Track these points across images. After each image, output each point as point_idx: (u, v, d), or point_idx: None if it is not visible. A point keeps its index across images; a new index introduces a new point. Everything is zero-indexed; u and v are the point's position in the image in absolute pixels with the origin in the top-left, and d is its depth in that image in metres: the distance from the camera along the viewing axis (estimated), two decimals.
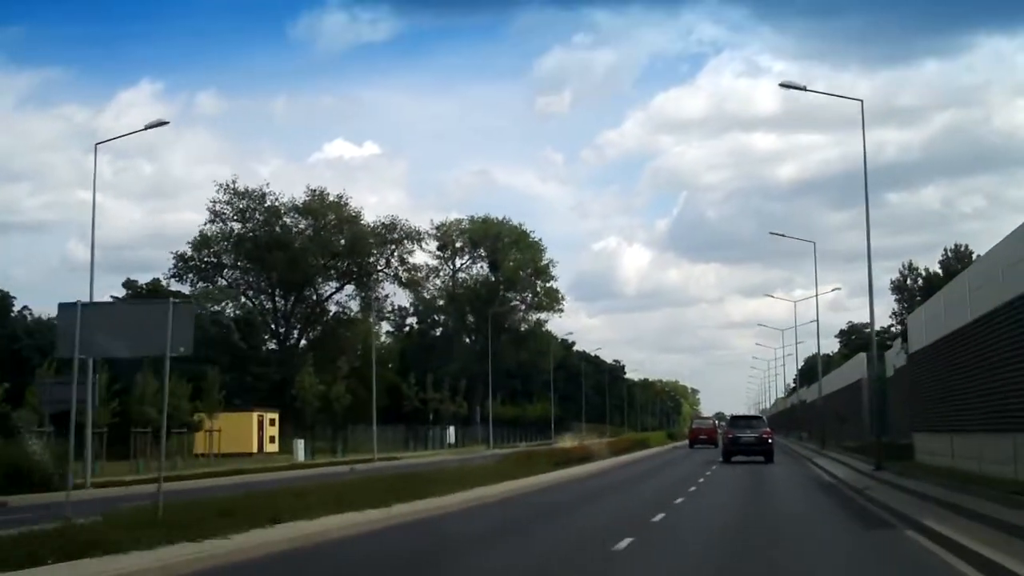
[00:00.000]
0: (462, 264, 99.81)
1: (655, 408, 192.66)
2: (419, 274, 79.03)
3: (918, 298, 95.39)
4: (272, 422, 58.17)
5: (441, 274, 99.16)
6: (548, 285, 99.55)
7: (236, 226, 74.06)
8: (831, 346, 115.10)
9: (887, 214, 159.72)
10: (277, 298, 76.14)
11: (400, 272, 77.65)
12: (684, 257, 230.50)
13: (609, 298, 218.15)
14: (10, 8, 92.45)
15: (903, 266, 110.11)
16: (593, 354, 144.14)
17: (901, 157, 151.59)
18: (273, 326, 75.65)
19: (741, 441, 42.79)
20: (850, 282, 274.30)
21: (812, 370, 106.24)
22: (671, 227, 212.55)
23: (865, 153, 30.79)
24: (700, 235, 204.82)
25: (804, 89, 34.13)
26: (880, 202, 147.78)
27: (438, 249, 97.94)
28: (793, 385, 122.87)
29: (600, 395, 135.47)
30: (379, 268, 77.32)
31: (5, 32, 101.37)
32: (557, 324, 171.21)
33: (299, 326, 76.35)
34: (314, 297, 76.90)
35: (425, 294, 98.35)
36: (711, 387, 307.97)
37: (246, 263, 73.95)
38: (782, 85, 35.82)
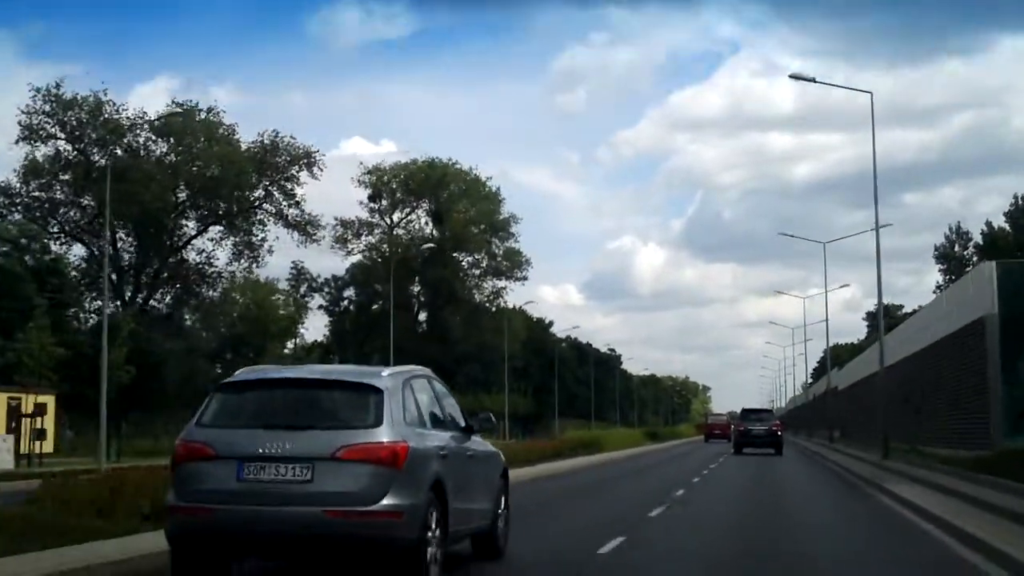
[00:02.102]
0: (400, 219, 79.71)
1: (661, 405, 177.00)
2: (312, 215, 58.42)
3: (972, 262, 75.54)
4: (42, 408, 36.93)
5: (375, 231, 79.18)
6: (508, 245, 79.14)
7: (62, 146, 54.46)
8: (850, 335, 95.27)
9: (904, 214, 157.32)
10: (127, 245, 56.51)
11: (285, 209, 57.53)
12: (699, 257, 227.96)
13: (624, 297, 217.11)
14: (27, 4, 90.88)
15: (949, 230, 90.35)
16: (585, 342, 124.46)
17: (919, 157, 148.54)
18: (114, 278, 55.71)
19: (752, 433, 42.57)
20: (867, 282, 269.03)
21: (833, 361, 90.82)
22: (686, 226, 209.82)
23: (874, 145, 31.07)
24: (715, 235, 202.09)
25: (814, 81, 32.53)
26: (897, 202, 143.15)
27: (369, 199, 77.96)
28: (810, 381, 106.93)
29: (593, 388, 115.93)
30: (255, 203, 57.35)
31: (23, 28, 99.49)
32: (533, 299, 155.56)
33: (150, 281, 56.40)
34: (170, 243, 56.80)
35: (355, 255, 78.38)
36: (724, 386, 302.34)
37: (73, 195, 54.30)
38: (792, 76, 33.78)
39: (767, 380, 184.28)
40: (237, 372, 9.12)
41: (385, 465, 7.85)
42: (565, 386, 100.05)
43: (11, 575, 8.33)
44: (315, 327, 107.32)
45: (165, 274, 56.93)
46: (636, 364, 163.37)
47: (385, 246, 77.88)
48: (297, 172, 56.86)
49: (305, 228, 57.53)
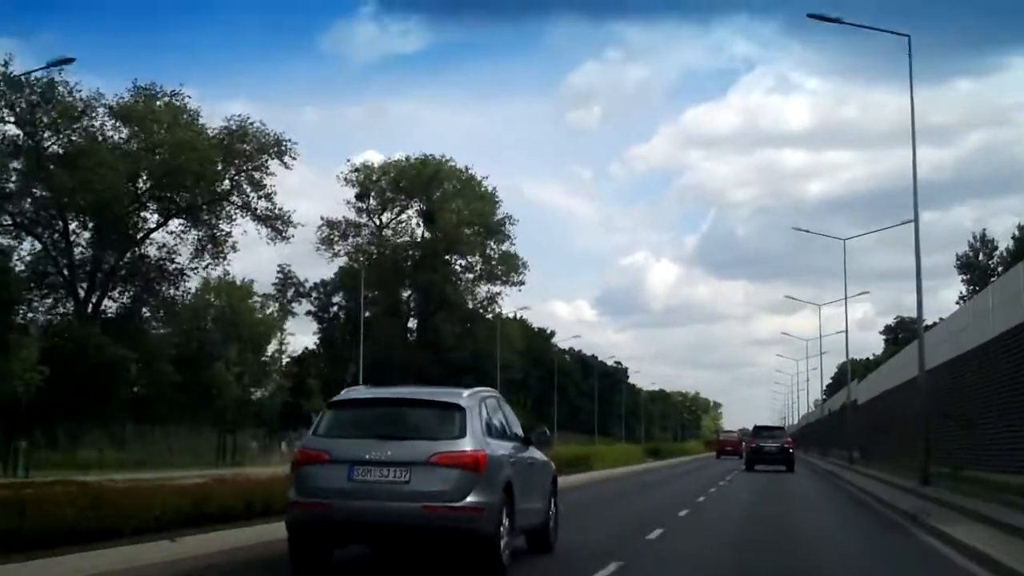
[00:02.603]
0: (390, 219, 74.64)
1: (669, 421, 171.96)
2: (284, 210, 53.18)
3: (998, 272, 70.33)
4: None
5: (363, 232, 74.12)
6: (504, 248, 73.90)
7: (12, 131, 49.66)
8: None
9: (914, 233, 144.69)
10: (83, 240, 51.59)
11: (254, 202, 52.45)
12: (712, 273, 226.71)
13: (636, 313, 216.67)
14: (41, 17, 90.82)
15: (973, 238, 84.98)
16: (590, 354, 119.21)
17: (932, 176, 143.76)
18: (67, 274, 50.83)
19: (764, 450, 42.44)
20: (881, 300, 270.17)
21: (846, 375, 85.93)
22: (699, 243, 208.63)
23: (912, 98, 24.86)
24: (728, 251, 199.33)
25: (839, 21, 26.98)
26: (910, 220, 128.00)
27: (356, 198, 72.95)
28: (824, 398, 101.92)
29: (600, 402, 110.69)
30: (222, 195, 52.35)
31: (38, 40, 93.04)
32: (529, 305, 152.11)
33: (105, 280, 51.37)
34: (129, 237, 51.71)
35: (342, 258, 73.34)
36: (736, 403, 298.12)
37: (23, 184, 49.43)
38: (810, 16, 27.23)
39: (779, 397, 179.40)
40: (342, 392, 11.24)
41: (469, 470, 9.65)
42: (567, 399, 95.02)
43: None
44: (304, 334, 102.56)
45: (123, 271, 51.92)
46: (648, 380, 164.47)
47: (373, 248, 72.98)
48: (267, 161, 51.88)
49: (275, 224, 52.41)
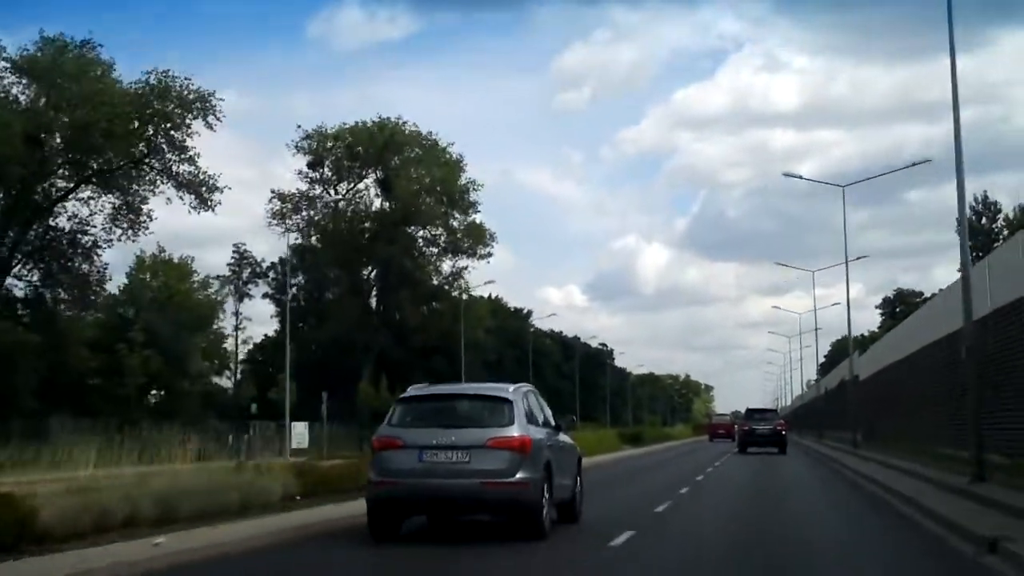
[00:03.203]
0: (347, 190, 68.26)
1: (659, 404, 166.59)
2: (209, 174, 46.61)
3: (1003, 236, 64.88)
4: None
5: (317, 205, 67.84)
6: (470, 218, 67.67)
7: None
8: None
9: (907, 212, 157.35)
10: None
11: (174, 164, 46.04)
12: (703, 256, 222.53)
13: (627, 297, 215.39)
14: (25, 10, 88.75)
15: (975, 201, 78.89)
16: (573, 335, 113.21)
17: (923, 153, 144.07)
18: None
19: (756, 433, 42.28)
20: (870, 281, 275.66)
21: (842, 353, 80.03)
22: (690, 225, 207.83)
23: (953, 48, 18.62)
24: (719, 233, 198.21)
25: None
26: (899, 200, 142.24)
27: (308, 167, 66.61)
28: (816, 378, 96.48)
29: (584, 385, 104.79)
30: (139, 158, 45.90)
31: (21, 33, 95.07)
32: (493, 283, 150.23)
33: (7, 255, 44.98)
34: (36, 207, 45.34)
35: (293, 232, 67.06)
36: (728, 385, 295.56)
37: None
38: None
39: (771, 378, 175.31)
40: (409, 389, 13.05)
41: (517, 451, 11.54)
42: (546, 381, 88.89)
43: None
44: (260, 317, 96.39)
45: (29, 247, 45.64)
46: (640, 364, 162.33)
47: (329, 222, 66.74)
48: (190, 120, 45.50)
49: (199, 190, 45.97)
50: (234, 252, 75.80)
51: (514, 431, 11.57)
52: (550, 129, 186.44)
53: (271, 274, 77.07)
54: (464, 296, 67.36)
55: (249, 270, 77.25)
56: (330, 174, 67.49)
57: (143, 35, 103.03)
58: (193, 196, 46.00)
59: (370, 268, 67.25)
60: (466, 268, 68.14)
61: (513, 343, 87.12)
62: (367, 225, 66.01)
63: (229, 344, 76.13)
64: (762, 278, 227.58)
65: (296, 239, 66.33)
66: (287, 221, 66.89)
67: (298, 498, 15.24)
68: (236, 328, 76.56)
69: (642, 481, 24.05)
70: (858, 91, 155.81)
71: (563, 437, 13.61)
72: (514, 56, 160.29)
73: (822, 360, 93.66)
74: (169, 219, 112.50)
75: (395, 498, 11.58)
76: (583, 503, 14.02)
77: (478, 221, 67.26)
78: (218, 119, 45.51)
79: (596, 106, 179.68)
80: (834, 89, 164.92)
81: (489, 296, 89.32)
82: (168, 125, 45.32)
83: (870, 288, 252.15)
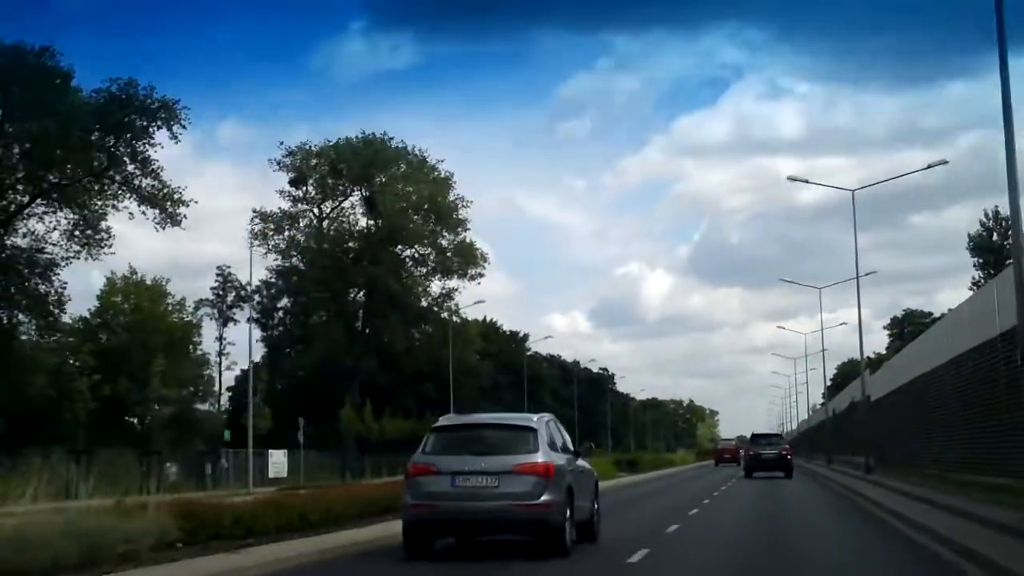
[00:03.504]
0: (332, 209, 65.30)
1: (663, 430, 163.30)
2: (173, 187, 43.54)
3: None
4: None
5: (300, 224, 64.90)
6: (460, 238, 64.63)
7: None
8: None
9: (910, 236, 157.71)
10: None
11: (137, 178, 43.07)
12: (707, 282, 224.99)
13: (632, 324, 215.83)
14: (34, 32, 75.78)
15: (986, 216, 75.83)
16: (573, 360, 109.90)
17: (926, 178, 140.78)
18: None
19: (762, 457, 42.31)
20: (874, 304, 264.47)
21: (848, 376, 75.45)
22: (693, 252, 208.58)
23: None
24: (722, 260, 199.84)
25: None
26: (903, 224, 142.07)
27: (291, 184, 63.69)
28: (822, 403, 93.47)
29: (585, 410, 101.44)
30: (98, 170, 42.90)
31: None
32: (483, 303, 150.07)
33: None
34: None
35: (275, 253, 64.10)
36: (733, 411, 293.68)
37: None
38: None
39: (776, 404, 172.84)
40: (440, 419, 14.08)
41: (542, 476, 12.32)
42: (543, 407, 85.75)
43: None
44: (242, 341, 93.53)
45: None
46: (641, 389, 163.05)
47: (312, 242, 63.76)
48: (154, 131, 42.63)
49: (164, 204, 42.97)
50: (218, 275, 73.04)
51: (539, 457, 12.39)
52: (553, 158, 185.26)
53: (256, 298, 74.30)
54: (454, 319, 64.12)
55: (234, 294, 74.53)
56: (314, 192, 64.68)
57: (141, 59, 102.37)
58: (157, 211, 43.02)
59: (355, 290, 64.02)
60: (456, 290, 65.11)
61: (508, 368, 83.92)
62: (351, 245, 63.00)
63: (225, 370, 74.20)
64: (766, 303, 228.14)
65: (277, 261, 63.37)
66: (269, 242, 64.02)
67: (180, 545, 12.12)
68: (220, 353, 73.56)
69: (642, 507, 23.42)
70: (860, 117, 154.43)
71: (581, 462, 14.37)
72: (516, 85, 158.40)
73: (828, 384, 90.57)
74: (163, 248, 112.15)
75: (431, 520, 12.39)
76: (600, 524, 14.69)
77: (468, 240, 64.24)
78: (183, 127, 42.67)
79: (598, 134, 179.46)
80: (836, 115, 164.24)
81: (484, 319, 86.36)
82: (130, 135, 42.40)
83: (875, 312, 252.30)
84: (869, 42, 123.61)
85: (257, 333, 76.94)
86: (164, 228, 43.09)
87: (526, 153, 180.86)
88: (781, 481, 36.76)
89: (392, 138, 62.84)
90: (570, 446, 14.05)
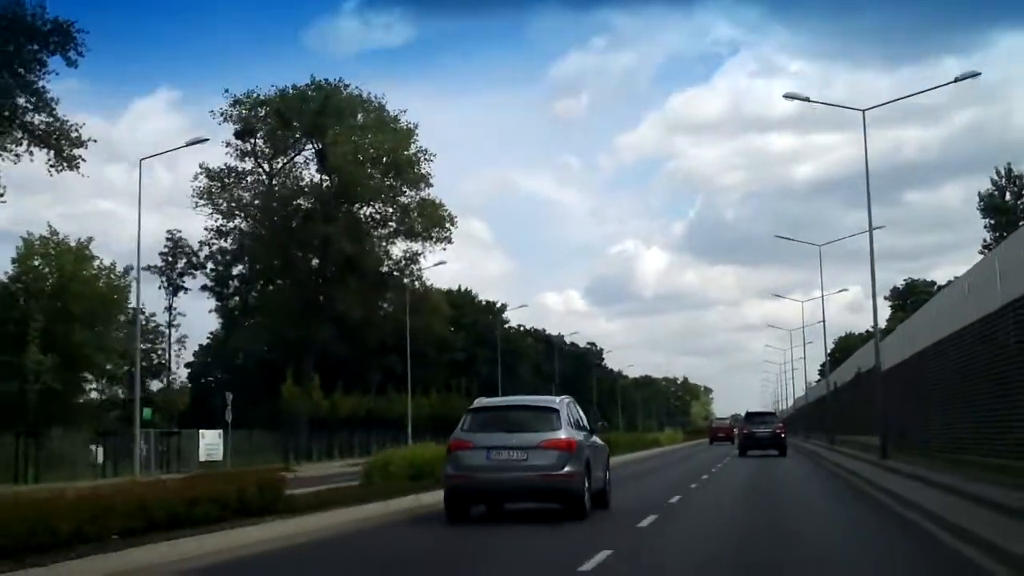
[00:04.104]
0: (283, 164, 58.70)
1: (655, 408, 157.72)
2: (70, 123, 36.85)
3: None
4: None
5: (248, 180, 58.33)
6: (424, 195, 58.11)
7: None
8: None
9: (905, 213, 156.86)
10: None
11: (27, 113, 36.45)
12: (702, 259, 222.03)
13: (627, 302, 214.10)
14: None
15: (998, 175, 69.72)
16: (557, 333, 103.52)
17: (920, 156, 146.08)
18: None
19: (756, 436, 42.00)
20: (868, 282, 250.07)
21: (847, 351, 75.11)
22: (688, 229, 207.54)
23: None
24: (717, 237, 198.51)
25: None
26: (898, 201, 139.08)
27: (237, 137, 57.05)
28: (816, 380, 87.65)
29: (570, 387, 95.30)
30: None
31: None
32: (455, 271, 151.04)
33: None
34: None
35: (218, 215, 57.59)
36: (727, 389, 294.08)
37: None
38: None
39: (771, 380, 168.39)
40: (476, 402, 15.72)
41: (564, 450, 13.87)
42: (523, 382, 79.54)
43: None
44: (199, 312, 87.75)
45: None
46: (633, 366, 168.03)
47: (260, 201, 57.26)
48: (47, 56, 36.05)
49: (59, 143, 36.41)
50: (168, 240, 66.66)
51: (562, 434, 14.02)
52: (548, 136, 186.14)
53: (209, 264, 67.88)
54: (416, 284, 57.70)
55: (184, 260, 68.13)
56: (264, 146, 58.16)
57: (135, 40, 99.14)
58: (50, 151, 36.45)
59: (308, 254, 57.52)
60: (420, 253, 58.67)
61: (486, 341, 77.51)
62: (302, 203, 56.57)
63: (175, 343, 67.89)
64: (761, 281, 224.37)
65: (219, 221, 56.89)
66: (216, 201, 57.50)
67: None
68: (169, 325, 67.40)
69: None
70: (854, 94, 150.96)
71: (596, 439, 15.79)
72: (511, 64, 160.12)
73: (827, 356, 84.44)
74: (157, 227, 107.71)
75: (469, 488, 14.14)
76: (611, 494, 16.12)
77: (433, 198, 57.76)
78: (80, 55, 36.04)
79: (594, 112, 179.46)
80: (830, 93, 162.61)
81: (459, 289, 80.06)
82: (17, 63, 35.81)
83: (868, 291, 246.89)
84: (863, 19, 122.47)
85: (212, 303, 71.00)
86: (59, 171, 36.52)
87: (521, 132, 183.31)
88: (777, 468, 30.78)
89: (348, 85, 56.37)
90: (586, 424, 15.45)
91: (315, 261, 58.23)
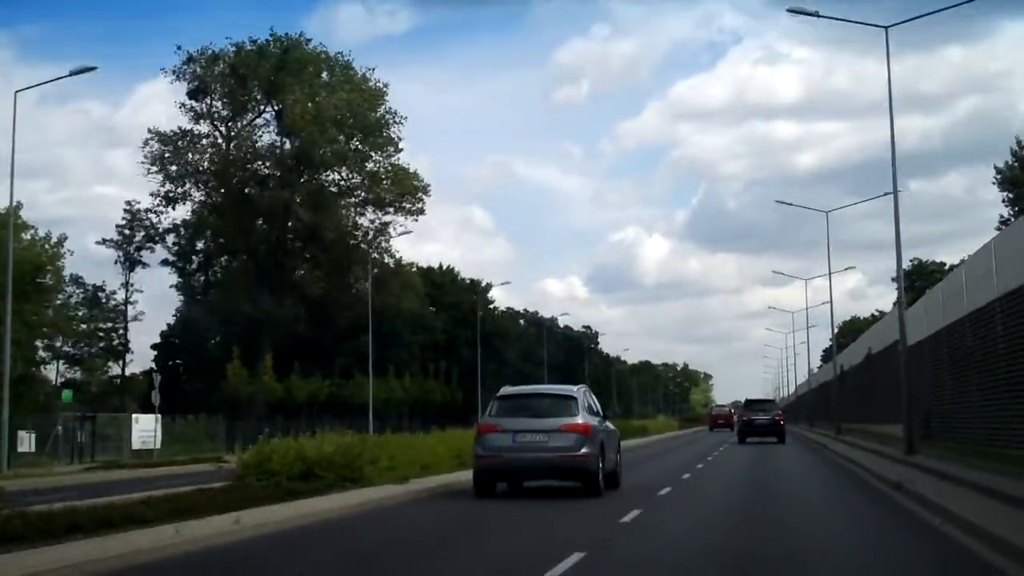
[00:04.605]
0: (242, 127, 53.45)
1: (654, 395, 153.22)
2: None
3: None
4: None
5: (202, 144, 53.05)
6: (392, 160, 52.78)
7: None
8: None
9: (907, 202, 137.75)
10: None
11: None
12: (704, 247, 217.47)
13: (628, 289, 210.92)
14: (28, 5, 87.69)
15: (1019, 144, 65.36)
16: (549, 316, 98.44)
17: (923, 145, 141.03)
18: None
19: (755, 423, 41.86)
20: (870, 271, 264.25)
21: (850, 337, 68.43)
22: (690, 217, 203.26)
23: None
24: (719, 225, 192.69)
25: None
26: (900, 188, 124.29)
27: (190, 96, 51.78)
28: (818, 366, 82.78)
29: (565, 373, 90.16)
30: None
31: (20, 28, 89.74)
32: (454, 257, 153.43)
33: None
34: None
35: (168, 181, 52.35)
36: (728, 376, 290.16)
37: None
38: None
39: (772, 367, 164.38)
40: (501, 390, 16.66)
41: (582, 433, 15.06)
42: (510, 366, 74.45)
43: None
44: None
45: None
46: (629, 350, 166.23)
47: (213, 166, 51.98)
48: None
49: None
50: (125, 212, 61.57)
51: (579, 419, 15.22)
52: (550, 123, 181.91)
53: (171, 237, 62.72)
54: (386, 258, 52.53)
55: (143, 233, 63.03)
56: (221, 107, 52.94)
57: (138, 25, 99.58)
58: None
59: (263, 223, 52.28)
60: (390, 224, 53.45)
61: (468, 322, 72.30)
62: (258, 167, 51.36)
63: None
64: (762, 269, 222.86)
65: (169, 188, 51.70)
66: (168, 167, 52.31)
67: None
68: (126, 302, 62.43)
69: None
70: (858, 83, 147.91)
71: (608, 424, 17.04)
72: (513, 51, 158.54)
73: (832, 336, 79.45)
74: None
75: (496, 467, 15.34)
76: (622, 475, 17.33)
77: (403, 164, 52.51)
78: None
79: (595, 100, 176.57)
80: (834, 81, 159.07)
81: (439, 266, 74.84)
82: None
83: (873, 277, 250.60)
84: (866, 8, 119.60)
85: (174, 279, 65.96)
86: None
87: (523, 119, 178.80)
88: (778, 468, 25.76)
89: (310, 40, 51.16)
90: (600, 410, 16.74)
91: (275, 233, 53.08)
